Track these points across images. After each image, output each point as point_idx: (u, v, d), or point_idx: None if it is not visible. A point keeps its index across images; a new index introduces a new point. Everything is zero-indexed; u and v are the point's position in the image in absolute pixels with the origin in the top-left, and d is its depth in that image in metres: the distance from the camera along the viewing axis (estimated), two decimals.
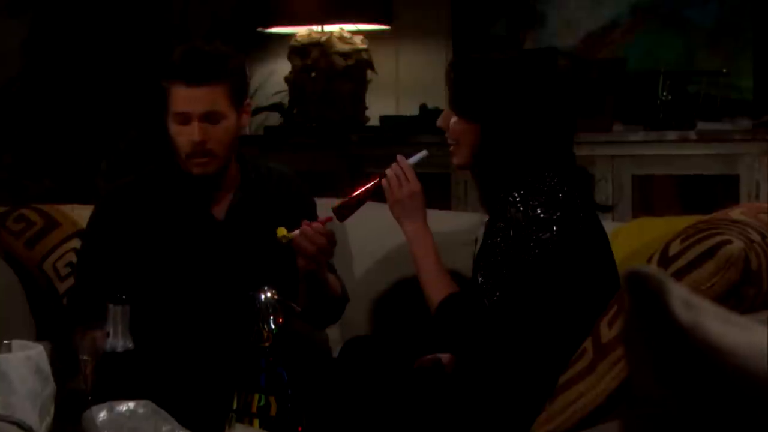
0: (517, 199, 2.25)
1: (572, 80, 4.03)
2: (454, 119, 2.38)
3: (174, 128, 2.53)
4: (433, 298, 2.34)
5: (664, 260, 2.01)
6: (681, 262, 1.97)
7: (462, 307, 2.29)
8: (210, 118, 2.52)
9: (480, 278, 2.27)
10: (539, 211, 2.24)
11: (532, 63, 2.42)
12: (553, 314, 2.27)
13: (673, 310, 0.80)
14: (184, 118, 2.50)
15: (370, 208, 2.80)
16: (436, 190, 4.13)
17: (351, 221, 2.62)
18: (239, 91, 2.57)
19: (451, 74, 2.40)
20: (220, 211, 2.63)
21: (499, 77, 2.35)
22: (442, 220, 3.21)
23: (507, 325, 2.24)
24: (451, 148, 2.41)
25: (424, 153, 2.50)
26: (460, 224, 3.11)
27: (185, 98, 2.49)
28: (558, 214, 2.24)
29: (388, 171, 2.45)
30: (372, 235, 2.77)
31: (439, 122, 2.43)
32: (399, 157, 2.47)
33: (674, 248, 2.01)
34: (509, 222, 2.24)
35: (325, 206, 2.77)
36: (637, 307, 0.82)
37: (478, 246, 2.41)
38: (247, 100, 2.63)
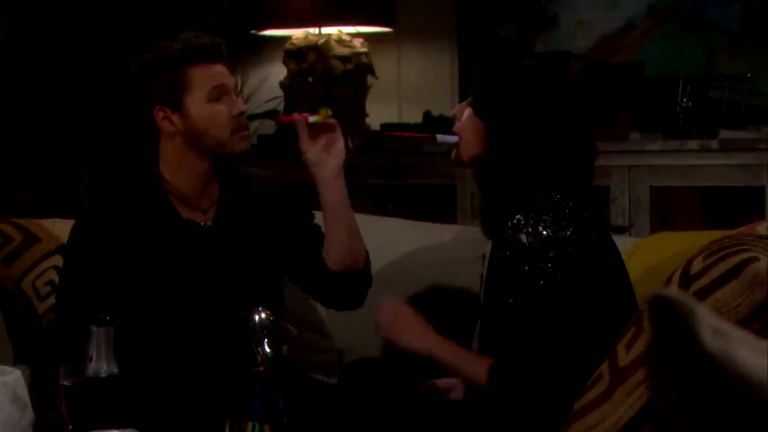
0: (522, 222, 2.24)
1: (585, 86, 4.03)
2: (467, 113, 2.40)
3: (207, 108, 2.58)
4: (477, 374, 2.30)
5: (686, 278, 2.00)
6: (704, 281, 1.96)
7: (510, 366, 2.27)
8: (235, 92, 2.66)
9: (518, 320, 2.24)
10: (549, 232, 2.24)
11: (559, 80, 2.43)
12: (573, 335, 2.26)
13: (701, 337, 0.79)
14: (220, 92, 2.59)
15: (368, 222, 2.79)
16: (441, 202, 4.14)
17: None
18: None
19: (479, 69, 2.42)
20: (206, 218, 2.64)
21: (524, 86, 2.37)
22: (447, 235, 3.21)
23: (563, 360, 2.22)
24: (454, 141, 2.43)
25: (455, 138, 2.47)
26: (466, 239, 3.10)
27: (216, 74, 2.60)
28: (569, 231, 2.24)
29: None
30: (370, 251, 2.75)
31: (454, 111, 2.46)
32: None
33: (696, 266, 2.00)
34: (519, 250, 2.23)
35: (320, 219, 2.76)
36: (662, 334, 0.81)
37: (486, 263, 2.41)
38: None
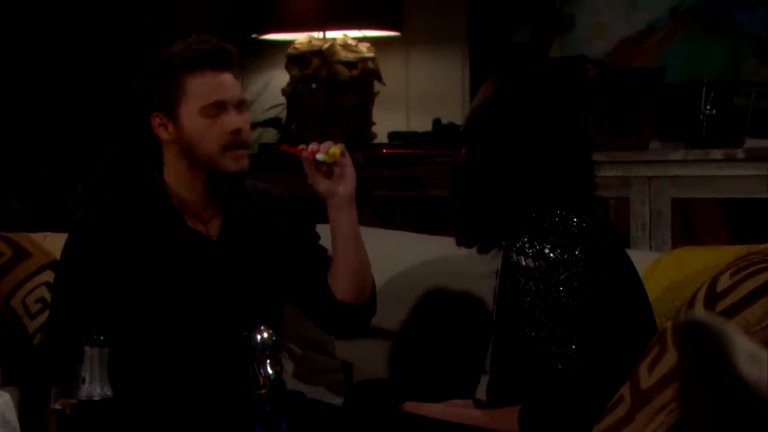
0: (527, 245, 2.23)
1: (603, 92, 4.02)
2: None
3: (199, 123, 2.54)
4: (512, 426, 2.29)
5: (712, 296, 1.99)
6: (731, 299, 1.95)
7: (537, 401, 2.26)
8: (240, 106, 2.58)
9: (536, 350, 2.24)
10: (557, 254, 2.22)
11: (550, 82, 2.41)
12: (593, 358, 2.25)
13: (736, 363, 0.78)
14: (218, 109, 2.54)
15: (374, 235, 2.78)
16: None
17: None
18: None
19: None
20: (212, 230, 2.63)
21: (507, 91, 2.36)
22: (458, 249, 3.19)
23: (588, 384, 2.21)
24: None
25: None
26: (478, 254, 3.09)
27: (217, 86, 2.54)
28: (577, 251, 2.22)
29: None
30: (374, 264, 2.74)
31: None
32: None
33: (723, 283, 2.00)
34: (526, 276, 2.22)
35: (323, 230, 2.75)
36: (695, 361, 0.80)
37: (498, 279, 2.40)
38: None
